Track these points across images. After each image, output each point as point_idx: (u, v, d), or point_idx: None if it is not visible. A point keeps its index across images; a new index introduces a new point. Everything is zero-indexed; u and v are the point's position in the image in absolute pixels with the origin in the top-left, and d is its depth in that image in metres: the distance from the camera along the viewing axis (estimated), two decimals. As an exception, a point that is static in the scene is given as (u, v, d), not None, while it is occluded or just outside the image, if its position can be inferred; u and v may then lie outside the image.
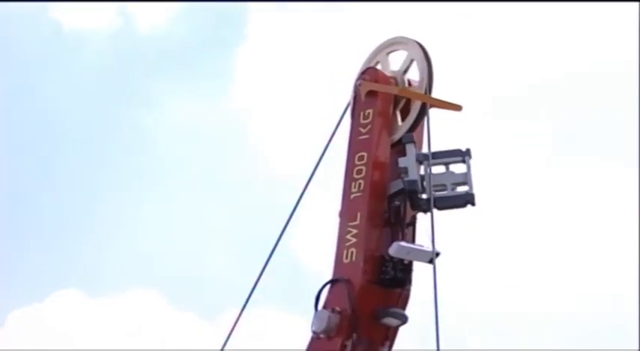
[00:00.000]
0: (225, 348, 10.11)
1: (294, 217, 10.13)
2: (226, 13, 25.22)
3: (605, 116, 23.25)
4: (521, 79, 21.46)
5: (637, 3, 21.38)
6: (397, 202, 9.56)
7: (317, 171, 10.21)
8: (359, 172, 9.67)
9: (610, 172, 22.50)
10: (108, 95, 24.63)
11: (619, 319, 22.89)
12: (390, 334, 9.54)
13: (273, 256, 10.09)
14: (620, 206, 22.46)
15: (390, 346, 9.61)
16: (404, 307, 9.49)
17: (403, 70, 10.06)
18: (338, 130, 10.18)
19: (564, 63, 22.55)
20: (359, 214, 9.56)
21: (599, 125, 23.06)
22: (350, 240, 9.52)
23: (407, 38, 10.12)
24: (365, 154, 9.71)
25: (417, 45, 9.97)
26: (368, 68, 10.05)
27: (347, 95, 10.10)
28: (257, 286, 10.10)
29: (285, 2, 23.67)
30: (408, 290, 9.50)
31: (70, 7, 24.70)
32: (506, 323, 21.56)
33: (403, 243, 9.40)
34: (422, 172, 9.52)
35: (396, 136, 9.79)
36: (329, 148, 10.19)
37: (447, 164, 9.56)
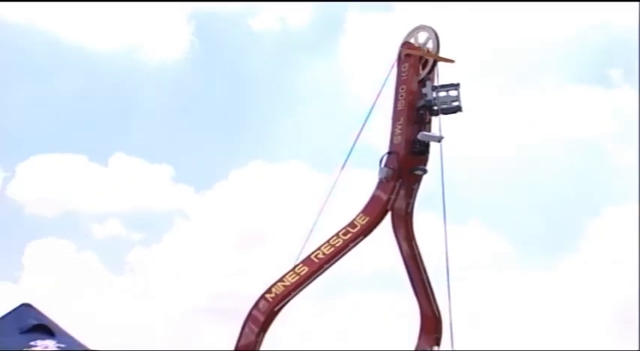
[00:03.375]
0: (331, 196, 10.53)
1: (366, 123, 10.59)
2: (333, 15, 24.96)
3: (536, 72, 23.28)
4: (490, 47, 21.13)
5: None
6: (421, 112, 10.11)
7: (379, 98, 10.54)
8: (401, 96, 10.17)
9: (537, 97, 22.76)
10: (275, 65, 24.97)
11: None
12: (418, 179, 10.20)
13: (358, 142, 10.64)
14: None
15: (418, 186, 10.22)
16: (425, 164, 10.12)
17: (424, 42, 10.36)
18: (390, 75, 10.48)
19: (516, 37, 22.38)
20: (402, 118, 10.12)
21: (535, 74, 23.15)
22: (397, 131, 10.12)
23: (427, 25, 10.45)
24: (405, 86, 10.20)
25: (432, 29, 10.31)
26: (405, 41, 10.45)
27: (394, 56, 10.49)
28: (347, 162, 10.65)
29: (365, 2, 23.43)
30: (427, 157, 10.08)
31: (258, 16, 24.89)
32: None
33: (425, 132, 10.00)
34: (434, 95, 10.01)
35: (420, 77, 10.22)
36: (385, 85, 10.50)
37: (447, 90, 10.03)
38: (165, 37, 24.94)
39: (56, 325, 7.37)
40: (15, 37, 24.14)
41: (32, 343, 6.84)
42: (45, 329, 7.15)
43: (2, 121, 24.03)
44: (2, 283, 21.91)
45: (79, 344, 7.34)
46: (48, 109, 24.03)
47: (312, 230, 10.32)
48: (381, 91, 10.52)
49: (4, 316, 7.37)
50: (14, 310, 7.42)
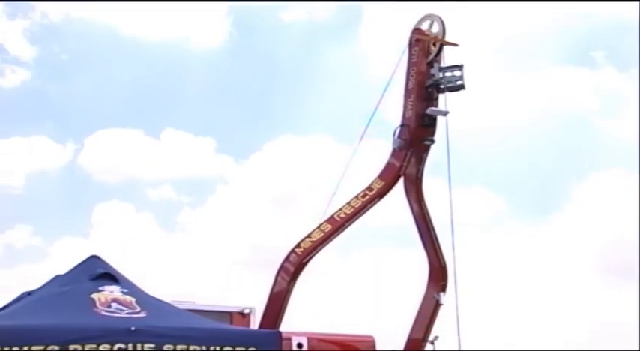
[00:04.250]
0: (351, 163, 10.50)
1: (382, 100, 10.53)
2: (353, 7, 24.83)
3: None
4: (490, 33, 20.96)
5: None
6: (430, 90, 10.01)
7: (392, 78, 10.44)
8: (412, 76, 10.06)
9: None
10: (302, 51, 25.03)
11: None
12: (427, 149, 10.08)
13: (374, 116, 10.62)
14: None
15: (427, 154, 10.09)
16: (433, 136, 10.01)
17: (432, 29, 10.23)
18: (402, 58, 10.33)
19: (512, 24, 22.08)
20: (412, 95, 10.02)
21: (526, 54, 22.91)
22: (409, 107, 10.01)
23: (435, 14, 10.32)
24: (415, 67, 10.10)
25: (439, 18, 10.20)
26: (416, 28, 10.32)
27: (406, 42, 10.34)
28: (365, 134, 10.63)
29: (382, 2, 23.18)
30: (435, 129, 9.98)
31: (287, 9, 24.78)
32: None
33: (433, 107, 9.93)
34: (441, 75, 9.92)
35: (429, 59, 10.08)
36: (398, 67, 10.37)
37: (452, 71, 9.92)
38: (207, 29, 25.29)
39: (120, 274, 7.45)
40: (82, 31, 24.51)
41: (100, 287, 6.93)
42: (111, 277, 7.23)
43: (73, 102, 24.49)
44: (75, 238, 22.54)
45: (139, 290, 7.43)
46: (110, 92, 24.45)
47: (335, 193, 10.34)
48: (394, 72, 10.42)
49: (76, 266, 7.46)
50: (85, 260, 7.51)
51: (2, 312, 6.73)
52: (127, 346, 6.22)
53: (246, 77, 25.01)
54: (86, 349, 5.99)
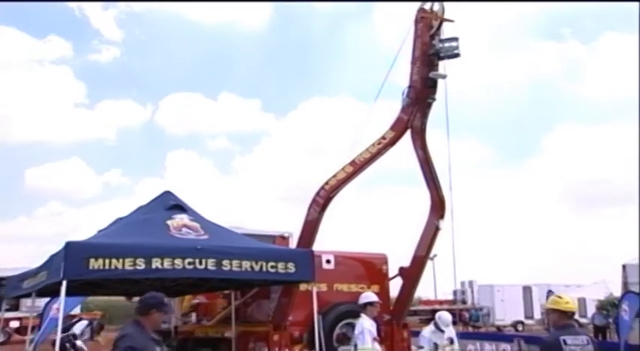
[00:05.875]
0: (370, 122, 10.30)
1: (393, 66, 10.14)
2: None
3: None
4: (481, 13, 20.51)
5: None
6: (432, 57, 9.81)
7: (401, 48, 10.12)
8: (417, 46, 9.90)
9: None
10: (330, 28, 24.96)
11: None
12: (430, 106, 9.89)
13: (387, 80, 10.18)
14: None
15: (429, 110, 9.85)
16: (434, 95, 9.83)
17: (434, 8, 9.97)
18: (409, 32, 10.06)
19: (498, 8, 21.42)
20: (418, 62, 9.85)
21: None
22: (415, 72, 9.87)
23: None
24: (420, 39, 9.90)
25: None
26: (420, 8, 10.06)
27: (412, 19, 10.06)
28: (380, 94, 10.17)
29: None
30: (436, 89, 9.77)
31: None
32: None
33: (434, 72, 9.76)
34: (441, 45, 9.73)
35: (431, 33, 9.85)
36: (405, 39, 10.08)
37: (450, 42, 9.71)
38: (253, 13, 25.36)
39: (187, 205, 7.72)
40: (157, 17, 24.76)
41: (173, 215, 7.23)
42: (180, 207, 7.52)
43: (151, 73, 24.97)
44: (153, 178, 23.45)
45: (203, 218, 7.70)
46: (178, 64, 24.96)
47: (355, 141, 10.37)
48: (403, 44, 10.24)
49: (154, 199, 7.75)
50: (160, 195, 7.79)
51: (102, 233, 7.11)
52: (194, 260, 6.58)
53: (285, 51, 25.32)
54: (164, 262, 6.35)
